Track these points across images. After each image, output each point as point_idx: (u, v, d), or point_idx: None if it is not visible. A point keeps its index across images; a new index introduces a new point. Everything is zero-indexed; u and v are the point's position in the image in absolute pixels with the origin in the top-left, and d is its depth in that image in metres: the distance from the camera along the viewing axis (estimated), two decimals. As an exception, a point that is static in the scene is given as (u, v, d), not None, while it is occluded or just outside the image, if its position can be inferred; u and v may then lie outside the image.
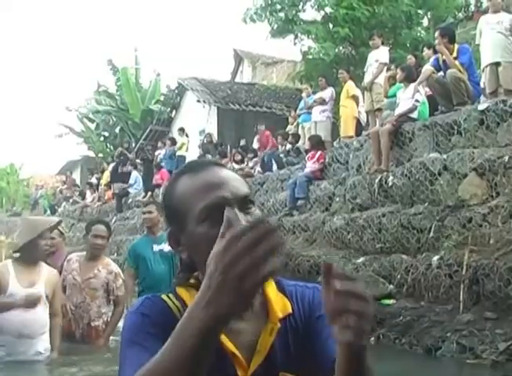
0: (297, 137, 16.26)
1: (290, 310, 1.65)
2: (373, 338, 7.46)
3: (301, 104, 16.83)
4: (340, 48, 21.42)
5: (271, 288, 1.66)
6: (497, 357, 6.14)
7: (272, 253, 1.16)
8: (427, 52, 12.67)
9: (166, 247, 7.70)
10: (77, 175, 39.08)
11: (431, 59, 11.09)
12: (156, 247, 7.76)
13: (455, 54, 10.13)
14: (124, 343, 1.54)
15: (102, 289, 7.13)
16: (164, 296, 1.63)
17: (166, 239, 6.10)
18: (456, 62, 10.02)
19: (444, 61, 10.19)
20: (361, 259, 9.10)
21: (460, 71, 9.93)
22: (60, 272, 6.93)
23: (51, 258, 7.62)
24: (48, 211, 33.34)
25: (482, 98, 10.57)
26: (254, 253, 1.15)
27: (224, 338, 1.54)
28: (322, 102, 15.06)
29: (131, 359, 1.47)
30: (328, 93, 14.98)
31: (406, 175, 9.39)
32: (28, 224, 6.40)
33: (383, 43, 13.84)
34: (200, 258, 1.54)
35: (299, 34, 22.83)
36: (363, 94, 14.00)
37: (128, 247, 8.42)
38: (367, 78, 13.31)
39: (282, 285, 1.71)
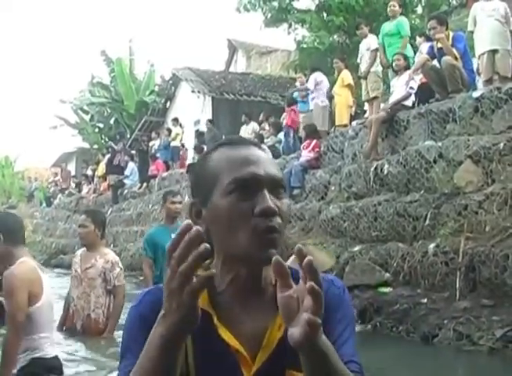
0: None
1: None
2: (369, 326, 7.48)
3: (295, 93, 16.81)
4: (335, 36, 21.39)
5: None
6: (494, 344, 6.16)
7: (197, 264, 1.21)
8: (419, 39, 12.66)
9: None
10: (72, 167, 39.08)
11: (426, 47, 11.06)
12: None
13: (449, 41, 10.10)
14: (122, 344, 1.56)
15: (99, 279, 7.08)
16: None
17: None
18: (453, 49, 9.99)
19: (439, 49, 10.15)
20: (357, 248, 9.10)
21: (456, 58, 9.90)
22: None
23: None
24: (44, 204, 33.34)
25: (479, 84, 10.55)
26: (182, 265, 1.21)
27: (227, 333, 1.50)
28: (306, 90, 15.08)
29: (123, 365, 1.50)
30: (311, 81, 14.96)
31: (402, 163, 9.38)
32: None
33: (371, 31, 13.79)
34: (217, 233, 1.52)
35: (293, 23, 22.83)
36: (359, 83, 14.00)
37: (145, 237, 8.31)
38: (363, 68, 13.29)
39: (296, 277, 1.63)
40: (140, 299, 1.59)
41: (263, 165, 1.52)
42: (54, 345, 5.22)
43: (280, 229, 1.48)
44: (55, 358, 5.12)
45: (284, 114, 17.97)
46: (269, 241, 1.45)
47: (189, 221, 1.25)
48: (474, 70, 10.66)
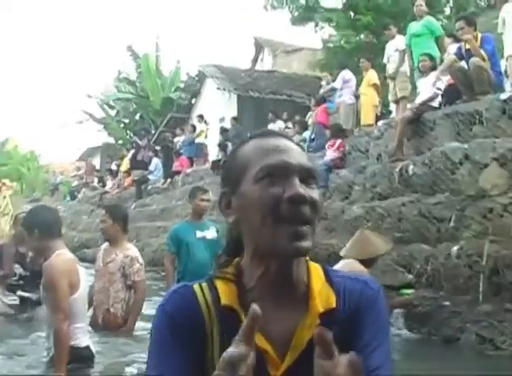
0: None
1: (334, 305, 1.51)
2: (391, 328, 7.45)
3: (321, 92, 16.79)
4: (362, 36, 21.32)
5: (317, 278, 1.55)
6: (517, 349, 6.11)
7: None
8: (447, 40, 12.55)
9: (209, 234, 7.68)
10: (97, 162, 39.21)
11: (454, 48, 10.98)
12: (199, 234, 7.69)
13: (478, 43, 10.01)
14: (150, 343, 1.53)
15: (118, 273, 7.11)
16: (196, 286, 1.55)
17: (210, 226, 6.07)
18: (481, 51, 9.90)
19: (467, 50, 10.07)
20: (380, 248, 9.04)
21: (484, 60, 9.82)
22: None
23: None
24: (68, 197, 33.51)
25: (507, 86, 10.45)
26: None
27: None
28: (333, 90, 15.07)
29: (151, 363, 1.50)
30: (338, 79, 14.95)
31: (427, 164, 9.30)
32: None
33: (398, 32, 13.74)
34: (246, 222, 1.49)
35: (320, 22, 22.78)
36: (385, 83, 13.94)
37: (169, 232, 8.31)
38: (390, 68, 13.22)
39: (329, 275, 1.59)
40: (167, 298, 1.55)
41: (294, 155, 1.50)
42: (87, 335, 5.31)
43: (310, 219, 1.45)
44: (87, 348, 5.19)
45: (310, 113, 17.94)
46: (298, 233, 1.42)
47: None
48: (502, 72, 10.56)
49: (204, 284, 1.55)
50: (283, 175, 1.45)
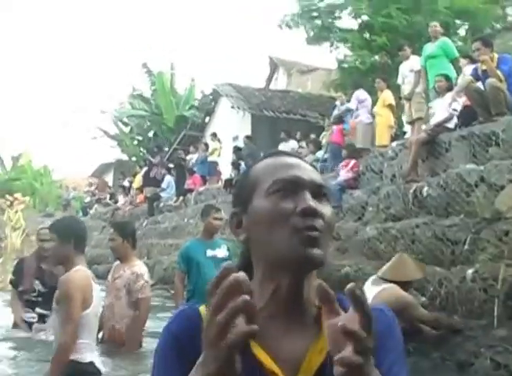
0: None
1: None
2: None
3: (335, 112, 16.76)
4: (376, 57, 21.32)
5: None
6: (532, 376, 5.98)
7: (234, 316, 1.12)
8: (462, 61, 12.49)
9: (220, 253, 7.64)
10: (109, 178, 39.35)
11: (470, 69, 10.92)
12: (209, 252, 7.66)
13: (494, 64, 9.95)
14: (154, 367, 1.48)
15: (124, 289, 7.08)
16: (202, 308, 1.49)
17: (221, 244, 6.03)
18: (497, 71, 9.83)
19: (483, 71, 10.01)
20: (393, 270, 8.93)
21: (501, 81, 9.75)
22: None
23: (46, 261, 7.64)
24: (80, 213, 33.55)
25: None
26: (219, 315, 1.12)
27: (263, 354, 1.39)
28: (348, 111, 15.04)
29: None
30: (353, 99, 14.94)
31: (442, 186, 9.21)
32: None
33: (413, 53, 13.72)
34: (257, 238, 1.45)
35: (335, 42, 22.79)
36: (401, 104, 13.89)
37: (180, 250, 8.29)
38: (406, 89, 13.15)
39: (340, 299, 1.46)
40: (173, 318, 1.51)
41: (306, 171, 1.48)
42: (94, 352, 5.22)
43: (322, 230, 1.40)
44: (91, 364, 5.09)
45: (324, 133, 17.91)
46: (310, 239, 1.38)
47: (230, 264, 1.17)
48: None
49: None
50: (294, 189, 1.43)
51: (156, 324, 7.61)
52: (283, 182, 1.43)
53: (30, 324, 7.84)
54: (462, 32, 21.95)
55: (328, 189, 1.50)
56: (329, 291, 1.22)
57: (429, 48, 12.65)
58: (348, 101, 16.23)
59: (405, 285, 6.79)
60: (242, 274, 1.13)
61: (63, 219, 5.75)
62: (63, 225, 5.24)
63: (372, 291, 6.56)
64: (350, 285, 1.20)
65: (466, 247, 8.08)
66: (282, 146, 19.06)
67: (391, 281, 6.66)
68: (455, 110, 10.53)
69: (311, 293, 1.45)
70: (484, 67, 10.05)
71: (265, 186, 1.44)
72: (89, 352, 5.07)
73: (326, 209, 1.44)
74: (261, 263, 1.47)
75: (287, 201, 1.40)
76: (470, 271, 7.59)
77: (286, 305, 1.44)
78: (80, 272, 4.97)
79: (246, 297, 1.11)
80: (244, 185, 1.53)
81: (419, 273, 7.07)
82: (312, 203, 1.40)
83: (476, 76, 10.25)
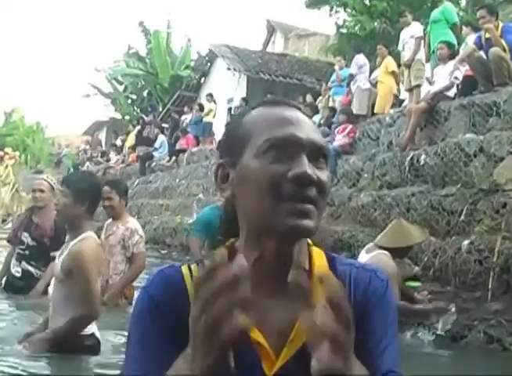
0: (334, 110, 15.75)
1: None
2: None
3: (333, 77, 16.55)
4: (375, 23, 21.10)
5: (319, 265, 1.37)
6: (526, 350, 5.89)
7: (234, 306, 1.00)
8: (465, 29, 12.28)
9: None
10: (102, 137, 39.25)
11: (473, 37, 10.73)
12: None
13: (499, 33, 9.76)
14: (130, 332, 1.34)
15: (119, 245, 7.14)
16: (184, 267, 1.37)
17: None
18: (502, 41, 9.65)
19: (487, 39, 9.82)
20: (387, 238, 8.82)
21: (505, 50, 9.56)
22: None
23: (37, 214, 7.51)
24: (72, 170, 33.40)
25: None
26: (209, 311, 1.01)
27: (246, 321, 1.26)
28: (350, 76, 14.83)
29: (131, 356, 1.32)
30: (353, 64, 14.74)
31: (439, 155, 9.06)
32: None
33: (414, 19, 13.51)
34: (243, 199, 1.31)
35: (335, 6, 22.54)
36: (400, 71, 13.70)
37: (199, 216, 8.18)
38: (406, 56, 12.94)
39: (333, 262, 1.41)
40: (152, 279, 1.37)
41: (304, 128, 1.31)
42: (93, 322, 4.97)
43: (316, 200, 1.25)
44: (93, 335, 4.89)
45: (320, 98, 17.74)
46: (301, 210, 1.24)
47: (222, 254, 1.04)
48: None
49: (194, 266, 1.38)
50: (290, 150, 1.27)
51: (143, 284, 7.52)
52: (277, 142, 1.27)
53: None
54: (462, 2, 21.72)
55: (328, 150, 1.35)
56: (303, 288, 1.09)
57: (434, 13, 12.49)
58: (347, 66, 16.02)
59: (404, 251, 6.63)
60: (242, 263, 1.02)
61: (81, 175, 5.45)
62: (79, 182, 4.84)
63: (363, 258, 6.40)
64: (323, 275, 1.08)
65: (462, 217, 7.96)
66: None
67: (389, 248, 6.48)
68: (456, 78, 10.35)
69: (301, 256, 1.33)
70: (487, 36, 9.86)
71: (258, 142, 1.29)
72: (91, 324, 4.90)
73: (322, 175, 1.29)
74: (245, 225, 1.34)
75: (280, 164, 1.26)
76: (465, 242, 7.49)
77: (272, 271, 1.31)
78: (91, 241, 4.69)
79: (247, 290, 1.01)
80: (234, 135, 1.38)
81: (419, 237, 6.88)
82: (309, 169, 1.25)
83: (479, 45, 10.06)
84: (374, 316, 1.34)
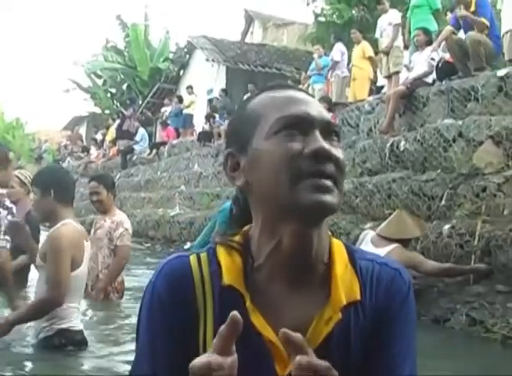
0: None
1: (358, 296, 1.27)
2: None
3: (312, 65, 16.56)
4: (353, 11, 21.10)
5: (340, 258, 1.30)
6: (508, 332, 5.91)
7: None
8: (450, 15, 12.28)
9: None
10: (83, 131, 39.03)
11: (450, 18, 10.76)
12: None
13: (473, 8, 9.78)
14: (139, 329, 1.32)
15: (106, 239, 7.13)
16: (192, 257, 1.30)
17: None
18: (482, 19, 9.65)
19: (462, 17, 9.84)
20: (369, 225, 8.81)
21: (487, 27, 9.56)
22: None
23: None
24: (52, 166, 33.24)
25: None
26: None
27: (260, 319, 1.22)
28: (334, 64, 14.81)
29: (142, 354, 1.29)
30: (336, 52, 14.73)
31: (419, 141, 9.08)
32: None
33: (392, 6, 13.51)
34: (258, 184, 1.25)
35: (312, -5, 22.54)
36: (378, 58, 13.71)
37: (221, 210, 8.13)
38: (384, 43, 12.93)
39: (353, 256, 1.34)
40: (159, 271, 1.30)
41: (315, 106, 1.28)
42: (79, 317, 4.95)
43: (336, 176, 1.21)
44: (81, 332, 4.85)
45: (300, 86, 17.71)
46: (323, 185, 1.19)
47: (237, 316, 1.03)
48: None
49: (204, 255, 1.31)
50: (303, 127, 1.22)
51: (129, 278, 7.60)
52: (289, 120, 1.23)
53: None
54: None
55: (339, 127, 1.31)
56: (295, 341, 1.04)
57: (415, -2, 12.46)
58: (326, 54, 16.02)
59: (408, 242, 6.77)
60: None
61: (42, 170, 5.45)
62: (41, 176, 4.95)
63: (376, 251, 6.42)
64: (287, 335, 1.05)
65: (442, 202, 8.00)
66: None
67: (392, 239, 6.58)
68: (432, 59, 10.37)
69: (320, 249, 1.27)
70: (461, 13, 9.89)
71: (268, 124, 1.25)
72: (78, 318, 4.86)
73: (338, 152, 1.25)
74: (260, 213, 1.28)
75: (294, 142, 1.21)
76: (446, 227, 7.52)
77: (289, 263, 1.25)
78: (69, 225, 4.65)
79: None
80: (241, 122, 1.33)
81: (418, 230, 7.01)
82: (325, 144, 1.22)
83: (456, 25, 10.10)
84: (399, 319, 1.29)
